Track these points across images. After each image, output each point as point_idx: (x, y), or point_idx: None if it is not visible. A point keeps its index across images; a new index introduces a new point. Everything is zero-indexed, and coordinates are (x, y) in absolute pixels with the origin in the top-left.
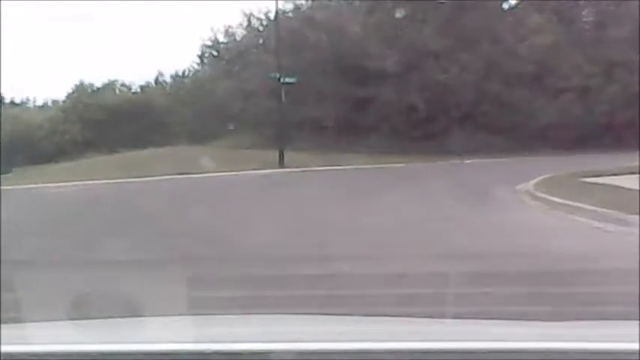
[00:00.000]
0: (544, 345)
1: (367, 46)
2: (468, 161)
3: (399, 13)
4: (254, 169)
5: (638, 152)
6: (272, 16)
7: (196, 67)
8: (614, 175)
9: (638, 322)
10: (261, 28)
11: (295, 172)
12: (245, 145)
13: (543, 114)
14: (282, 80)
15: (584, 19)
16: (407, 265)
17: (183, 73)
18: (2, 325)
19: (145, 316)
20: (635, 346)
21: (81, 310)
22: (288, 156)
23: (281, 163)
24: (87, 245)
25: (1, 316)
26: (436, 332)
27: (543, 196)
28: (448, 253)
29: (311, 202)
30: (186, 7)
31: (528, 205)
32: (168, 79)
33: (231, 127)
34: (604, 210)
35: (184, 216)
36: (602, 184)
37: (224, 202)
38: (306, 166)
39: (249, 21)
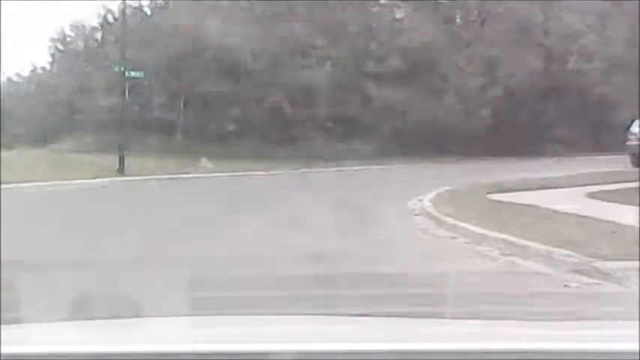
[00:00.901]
0: (544, 345)
1: (228, 40)
2: (337, 168)
3: (263, 5)
4: (89, 178)
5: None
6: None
7: (47, 65)
8: (526, 190)
9: (638, 322)
10: (111, 20)
11: (136, 180)
12: (88, 149)
13: (421, 116)
14: (126, 75)
15: (464, 17)
16: None
17: (33, 70)
18: (2, 326)
19: (144, 317)
20: (635, 346)
21: None
22: (133, 162)
23: (121, 171)
24: None
25: (1, 316)
26: (436, 333)
27: (454, 222)
28: None
29: (134, 223)
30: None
31: (437, 236)
32: (14, 77)
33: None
34: (559, 251)
35: None
36: (522, 205)
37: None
38: (149, 174)
39: (104, 14)
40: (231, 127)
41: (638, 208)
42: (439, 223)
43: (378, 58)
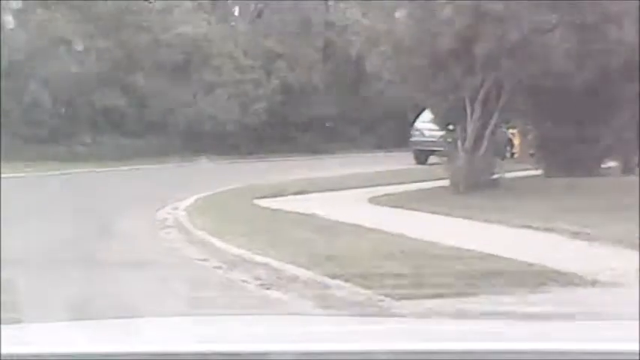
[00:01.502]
0: (544, 345)
1: None
2: (99, 169)
3: None
4: None
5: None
6: None
7: None
8: (301, 193)
9: (638, 322)
10: None
11: None
12: None
13: (193, 112)
14: None
15: (241, 9)
16: None
17: None
18: (2, 326)
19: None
20: (635, 346)
21: None
22: None
23: None
24: None
25: (1, 316)
26: (436, 332)
27: (207, 237)
28: None
29: None
30: None
31: (184, 257)
32: None
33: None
34: (338, 283)
35: None
36: (294, 214)
37: None
38: None
39: None
40: None
41: (424, 214)
42: (191, 239)
43: (149, 50)
